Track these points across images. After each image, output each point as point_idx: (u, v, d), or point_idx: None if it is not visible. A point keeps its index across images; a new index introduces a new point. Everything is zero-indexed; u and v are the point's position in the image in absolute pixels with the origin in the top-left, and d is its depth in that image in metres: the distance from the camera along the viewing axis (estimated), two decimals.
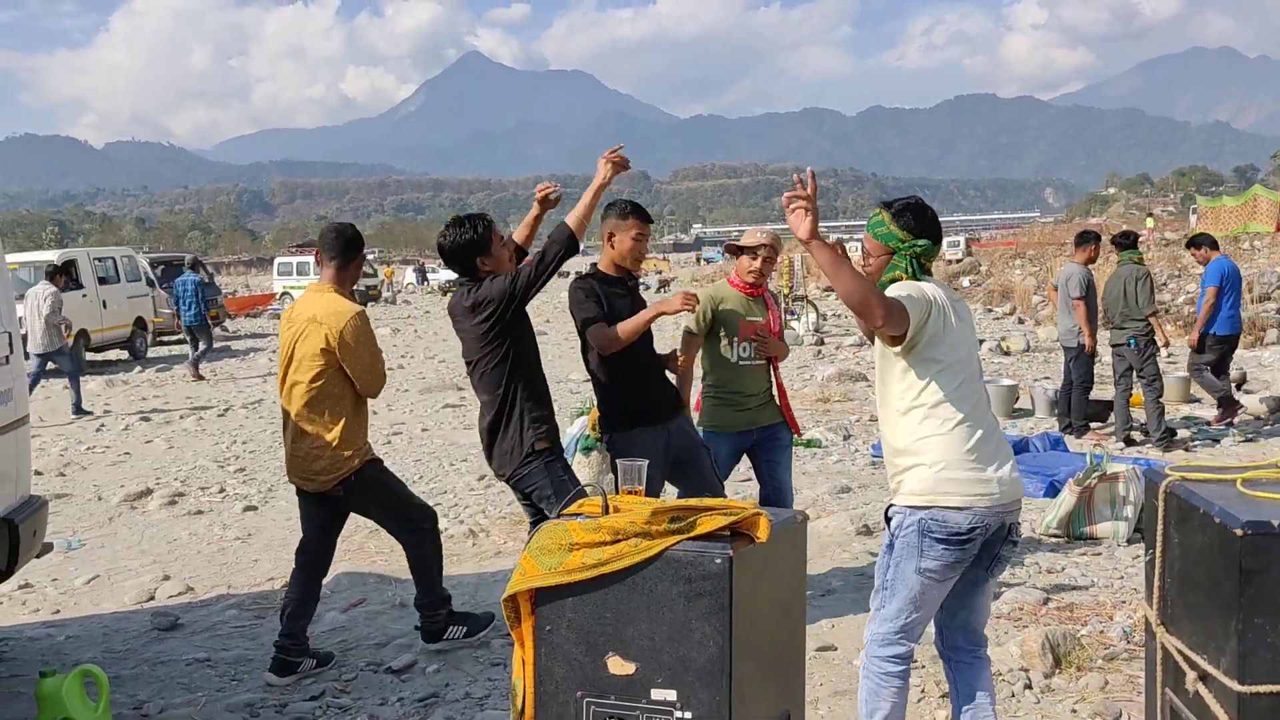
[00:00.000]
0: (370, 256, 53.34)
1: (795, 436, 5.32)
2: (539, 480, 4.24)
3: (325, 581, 5.78)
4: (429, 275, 52.18)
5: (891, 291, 3.00)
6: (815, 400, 12.04)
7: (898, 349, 2.98)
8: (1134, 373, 8.98)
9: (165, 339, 22.69)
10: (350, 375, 4.41)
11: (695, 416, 5.16)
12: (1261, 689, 1.88)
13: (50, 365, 12.87)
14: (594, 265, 4.75)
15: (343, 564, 6.16)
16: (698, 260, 74.93)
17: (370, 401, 4.63)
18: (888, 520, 3.09)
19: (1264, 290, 18.59)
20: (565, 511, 2.49)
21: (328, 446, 4.40)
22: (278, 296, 35.52)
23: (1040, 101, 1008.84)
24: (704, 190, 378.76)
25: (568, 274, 6.95)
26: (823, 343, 18.69)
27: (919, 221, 3.15)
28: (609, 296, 4.55)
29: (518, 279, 4.22)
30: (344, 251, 4.51)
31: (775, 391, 5.18)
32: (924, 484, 2.94)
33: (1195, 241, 10.16)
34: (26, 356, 11.47)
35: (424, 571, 4.64)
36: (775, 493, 5.22)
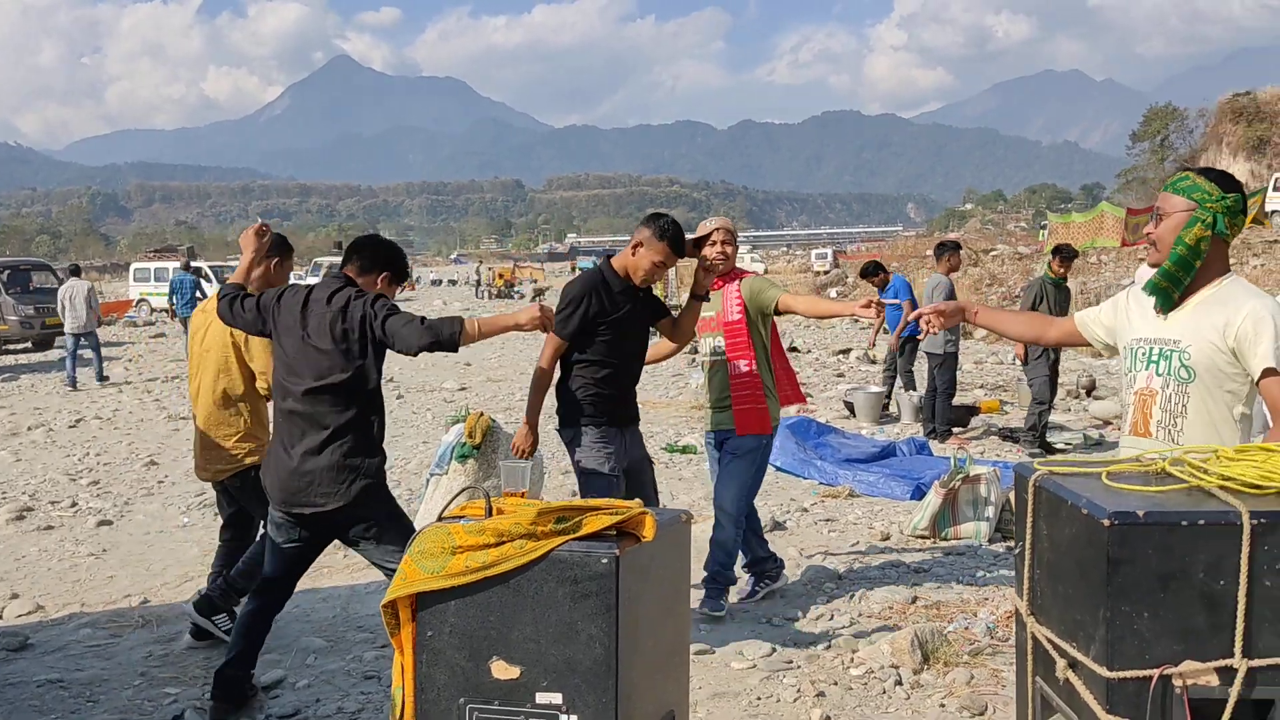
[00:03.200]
0: (234, 263, 51.61)
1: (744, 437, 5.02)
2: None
3: (187, 597, 5.58)
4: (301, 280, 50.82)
5: (1269, 338, 2.72)
6: (690, 407, 12.15)
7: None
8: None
9: (11, 347, 21.53)
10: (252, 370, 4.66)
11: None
12: (1129, 674, 1.95)
13: (83, 343, 16.02)
14: (608, 258, 4.67)
15: (205, 578, 5.92)
16: (572, 269, 74.86)
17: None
18: None
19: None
20: (449, 514, 2.44)
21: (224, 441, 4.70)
22: (134, 304, 34.10)
23: (902, 119, 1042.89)
24: (578, 200, 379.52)
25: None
26: (696, 350, 18.90)
27: (1227, 178, 2.87)
28: (615, 302, 4.50)
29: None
30: (267, 253, 4.64)
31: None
32: None
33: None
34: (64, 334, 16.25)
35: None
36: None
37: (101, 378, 16.00)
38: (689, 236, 4.96)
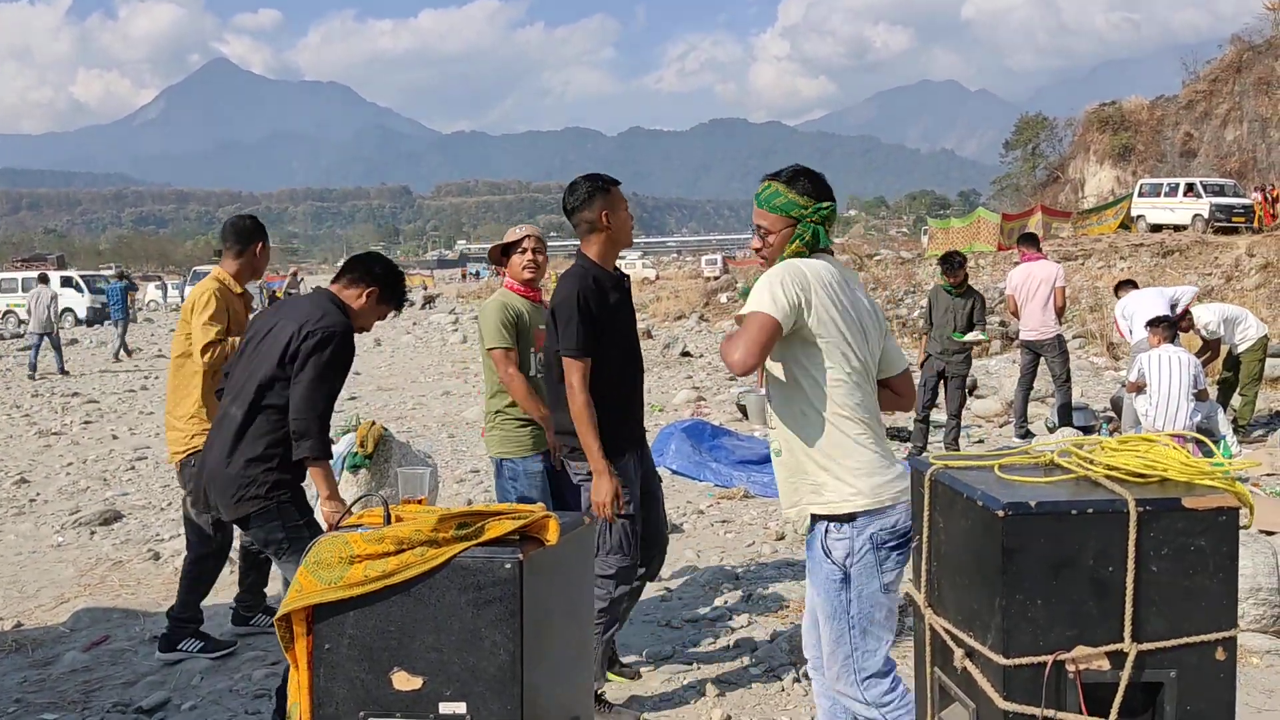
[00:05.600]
0: (108, 273, 50.00)
1: None
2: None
3: (63, 620, 5.34)
4: (169, 292, 49.24)
5: (760, 285, 2.70)
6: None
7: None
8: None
9: None
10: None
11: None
12: (1024, 660, 2.00)
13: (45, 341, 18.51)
14: (581, 253, 3.94)
15: (82, 599, 5.68)
16: (463, 276, 74.18)
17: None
18: (827, 553, 2.77)
19: (988, 305, 20.22)
20: (346, 523, 2.36)
21: (173, 427, 4.78)
22: (1, 315, 32.57)
23: (787, 127, 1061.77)
24: (468, 206, 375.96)
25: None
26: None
27: (816, 184, 2.87)
28: (615, 307, 3.87)
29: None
30: (235, 240, 4.81)
31: None
32: (852, 488, 2.73)
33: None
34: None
35: (192, 584, 4.80)
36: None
37: (63, 370, 18.51)
38: (496, 244, 4.77)
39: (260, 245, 4.86)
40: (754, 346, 2.60)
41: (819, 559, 2.80)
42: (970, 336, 9.06)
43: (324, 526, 3.63)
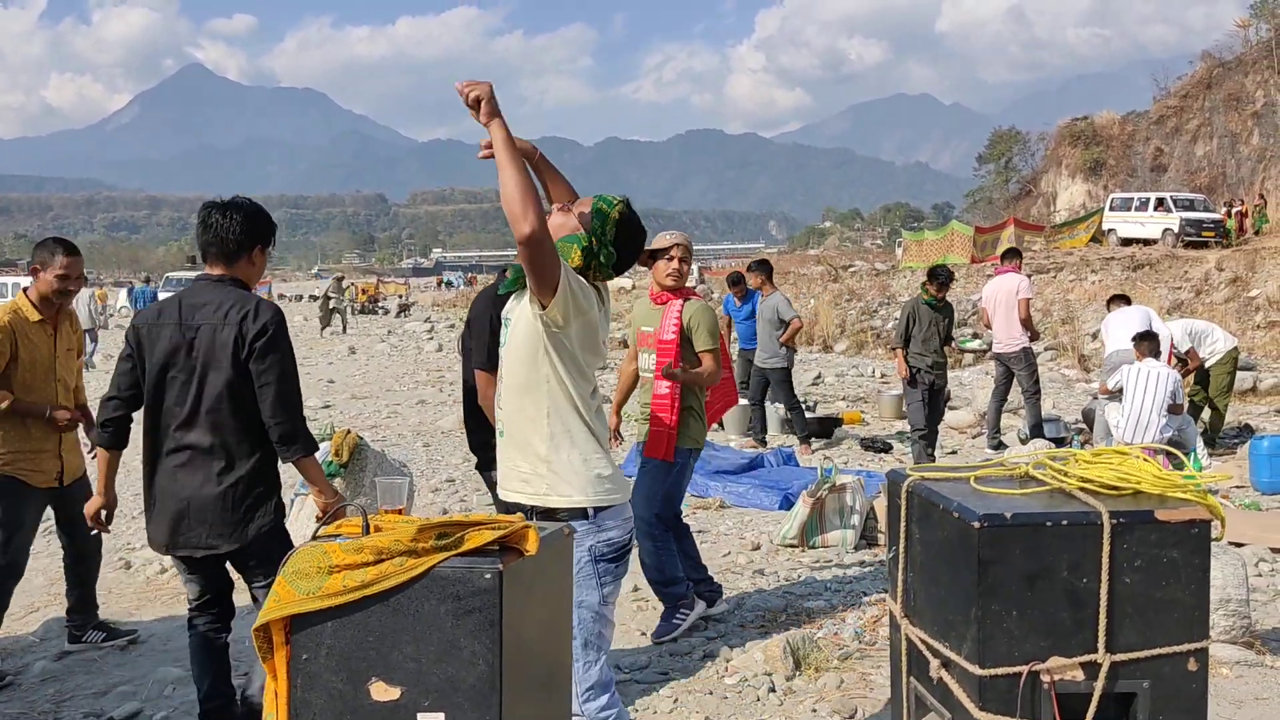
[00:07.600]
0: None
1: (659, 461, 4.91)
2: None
3: (34, 629, 5.29)
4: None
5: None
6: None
7: (545, 315, 2.70)
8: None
9: None
10: None
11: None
12: (999, 671, 2.02)
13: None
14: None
15: (53, 608, 5.62)
16: (439, 284, 73.91)
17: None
18: None
19: (961, 316, 20.35)
20: (323, 532, 2.36)
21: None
22: None
23: (763, 139, 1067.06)
24: (443, 215, 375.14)
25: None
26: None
27: (625, 234, 2.95)
28: None
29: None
30: (36, 258, 4.70)
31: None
32: (580, 488, 2.77)
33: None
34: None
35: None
36: None
37: (90, 365, 19.24)
38: (648, 248, 4.79)
39: (47, 269, 4.60)
40: (541, 218, 2.56)
41: None
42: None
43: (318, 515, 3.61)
